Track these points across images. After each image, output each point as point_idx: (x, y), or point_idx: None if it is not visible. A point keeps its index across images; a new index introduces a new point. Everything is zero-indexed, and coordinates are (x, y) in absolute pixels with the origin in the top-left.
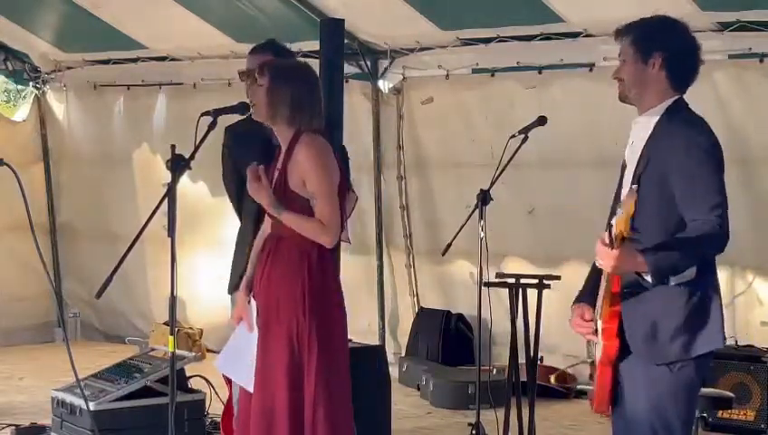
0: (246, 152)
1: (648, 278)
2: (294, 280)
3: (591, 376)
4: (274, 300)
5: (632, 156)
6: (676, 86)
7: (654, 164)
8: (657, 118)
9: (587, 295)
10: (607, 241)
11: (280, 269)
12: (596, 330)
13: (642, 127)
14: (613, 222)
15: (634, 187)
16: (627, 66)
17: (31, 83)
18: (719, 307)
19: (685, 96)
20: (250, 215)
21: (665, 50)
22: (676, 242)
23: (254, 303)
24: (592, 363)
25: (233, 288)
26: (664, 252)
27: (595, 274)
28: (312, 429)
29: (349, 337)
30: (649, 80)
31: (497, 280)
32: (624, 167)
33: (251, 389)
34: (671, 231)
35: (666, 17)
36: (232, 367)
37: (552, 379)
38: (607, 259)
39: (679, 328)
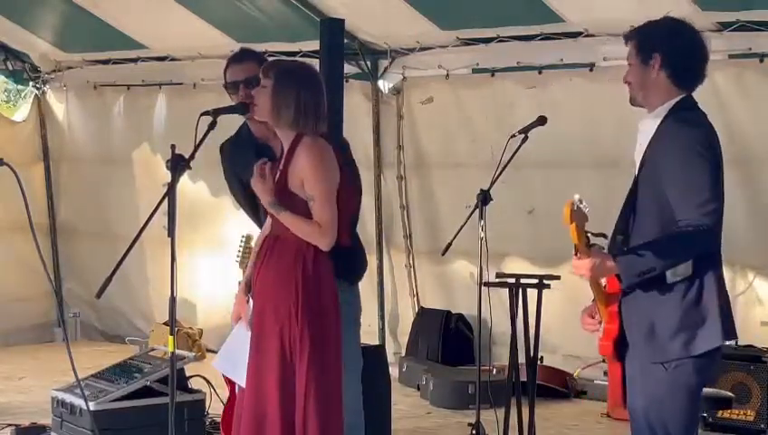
0: (242, 160)
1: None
2: (289, 281)
3: (606, 373)
4: (268, 300)
5: (638, 158)
6: (680, 85)
7: (649, 166)
8: (661, 119)
9: None
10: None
11: (275, 269)
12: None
13: (647, 128)
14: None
15: (576, 196)
16: (632, 69)
17: (31, 83)
18: (719, 304)
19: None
20: (259, 224)
21: (662, 50)
22: (652, 244)
23: (252, 302)
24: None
25: None
26: (635, 255)
27: None
28: (303, 429)
29: None
30: (651, 81)
31: (497, 280)
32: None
33: None
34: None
35: (669, 18)
36: (230, 366)
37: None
38: (580, 269)
39: (677, 326)
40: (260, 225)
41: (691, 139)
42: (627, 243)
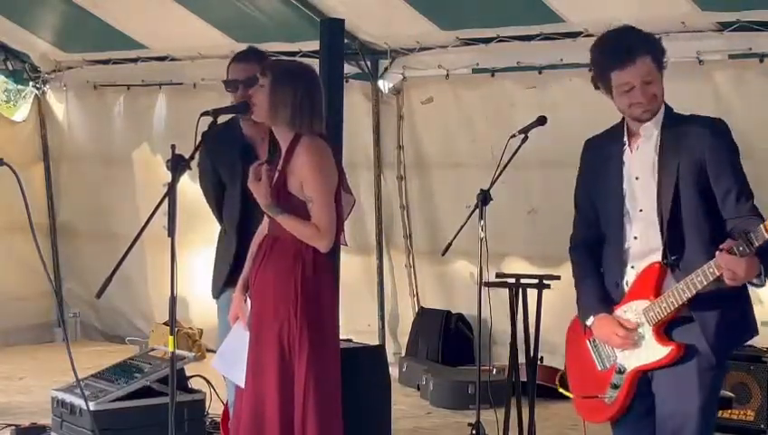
0: (225, 154)
1: (757, 281)
2: (287, 281)
3: (615, 385)
4: (267, 300)
5: (641, 160)
6: None
7: (687, 168)
8: (660, 124)
9: (605, 305)
10: (747, 247)
11: (274, 270)
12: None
13: (649, 134)
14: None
15: None
16: (658, 84)
17: (31, 83)
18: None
19: (686, 95)
20: (232, 222)
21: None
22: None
23: (249, 302)
24: (619, 372)
25: (217, 293)
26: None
27: (595, 280)
28: (302, 430)
29: (349, 337)
30: (663, 90)
31: (497, 280)
32: (616, 164)
33: None
34: (716, 232)
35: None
36: (228, 366)
37: (557, 381)
38: (738, 268)
39: (740, 324)
40: (219, 217)
41: (731, 141)
42: (682, 250)
